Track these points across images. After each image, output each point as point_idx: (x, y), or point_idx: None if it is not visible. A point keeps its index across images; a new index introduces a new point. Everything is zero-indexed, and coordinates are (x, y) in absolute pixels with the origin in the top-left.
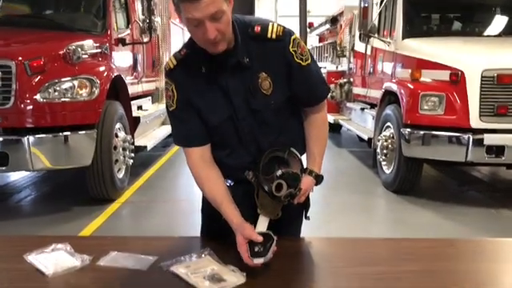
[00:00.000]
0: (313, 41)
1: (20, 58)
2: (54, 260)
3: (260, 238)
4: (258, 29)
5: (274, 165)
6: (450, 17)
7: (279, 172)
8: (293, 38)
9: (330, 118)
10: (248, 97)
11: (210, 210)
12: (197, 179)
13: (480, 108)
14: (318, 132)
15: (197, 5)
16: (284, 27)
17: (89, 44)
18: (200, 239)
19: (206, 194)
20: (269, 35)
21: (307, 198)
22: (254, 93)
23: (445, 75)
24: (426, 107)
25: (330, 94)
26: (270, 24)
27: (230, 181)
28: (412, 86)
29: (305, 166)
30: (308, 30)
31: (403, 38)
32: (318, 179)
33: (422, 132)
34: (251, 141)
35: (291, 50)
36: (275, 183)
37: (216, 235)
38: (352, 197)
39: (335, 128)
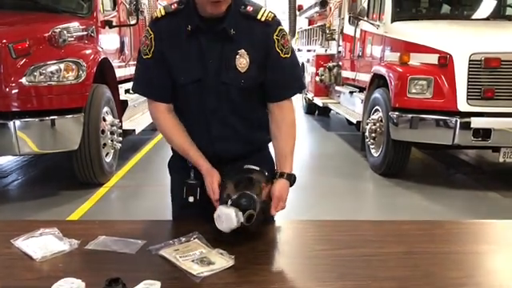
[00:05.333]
0: (302, 24)
1: (4, 41)
2: (42, 244)
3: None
4: (250, 8)
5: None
6: (438, 0)
7: (229, 202)
8: (279, 28)
9: (319, 102)
10: (221, 68)
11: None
12: (163, 127)
13: (467, 91)
14: (288, 131)
15: None
16: (274, 15)
17: (74, 26)
18: (188, 223)
19: (174, 141)
20: (258, 17)
21: None
22: (227, 66)
23: (433, 59)
24: (414, 91)
25: (318, 78)
26: (263, 8)
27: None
28: (400, 70)
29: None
30: (297, 12)
31: (392, 21)
32: (291, 179)
33: (410, 115)
34: (211, 115)
35: (274, 37)
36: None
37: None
38: (340, 180)
39: (324, 111)
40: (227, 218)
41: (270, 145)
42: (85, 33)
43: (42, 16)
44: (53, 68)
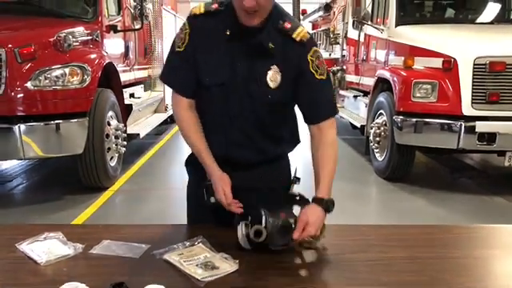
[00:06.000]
0: (306, 28)
1: (10, 46)
2: (46, 248)
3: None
4: (287, 25)
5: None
6: (442, 4)
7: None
8: (314, 49)
9: None
10: (250, 79)
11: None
12: (182, 122)
13: (472, 95)
14: (324, 152)
15: None
16: (311, 36)
17: (80, 31)
18: (192, 227)
19: (190, 139)
20: (294, 35)
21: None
22: (257, 79)
23: (437, 63)
24: (418, 95)
25: None
26: (300, 27)
27: None
28: (405, 74)
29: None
30: (301, 16)
31: (396, 25)
32: (328, 206)
33: (414, 119)
34: (231, 121)
35: (309, 58)
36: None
37: (202, 221)
38: (344, 184)
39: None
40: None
41: (290, 154)
42: (90, 37)
43: (47, 21)
44: (58, 72)
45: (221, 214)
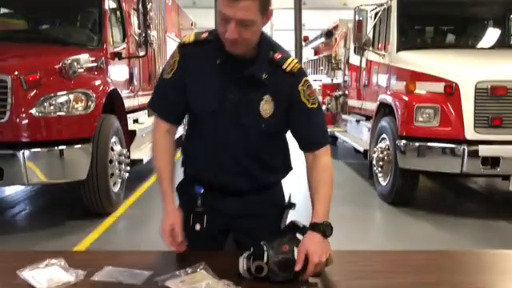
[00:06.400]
0: (308, 54)
1: (16, 73)
2: (47, 276)
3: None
4: (278, 56)
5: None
6: (443, 29)
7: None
8: (305, 79)
9: None
10: (242, 109)
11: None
12: (155, 144)
13: (475, 119)
14: (319, 177)
15: (233, 4)
16: (301, 66)
17: (84, 58)
18: (195, 254)
19: (157, 162)
20: (285, 66)
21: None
22: (250, 109)
23: (439, 87)
24: (420, 119)
25: (325, 106)
26: (291, 57)
27: (200, 188)
28: (407, 98)
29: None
30: (303, 43)
31: (398, 51)
32: (325, 230)
33: (417, 144)
34: (223, 148)
35: (300, 88)
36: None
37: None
38: (348, 209)
39: (331, 140)
40: None
41: (283, 180)
42: (94, 64)
43: (53, 48)
44: (62, 99)
45: (208, 241)
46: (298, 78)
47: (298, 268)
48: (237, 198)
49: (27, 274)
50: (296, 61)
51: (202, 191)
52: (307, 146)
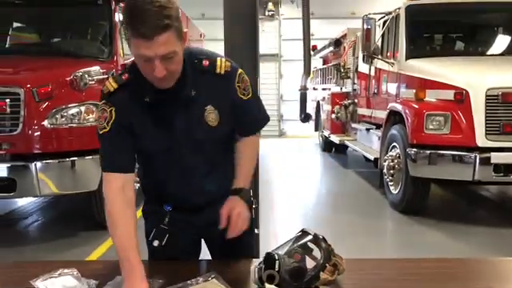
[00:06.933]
0: (317, 63)
1: (28, 85)
2: (60, 285)
3: None
4: (206, 63)
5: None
6: (452, 37)
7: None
8: (239, 73)
9: (336, 139)
10: (191, 127)
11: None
12: (109, 208)
13: (486, 126)
14: (242, 150)
15: (149, 44)
16: (231, 62)
17: (95, 70)
18: (206, 263)
19: (115, 231)
20: (217, 70)
21: (251, 211)
22: (198, 123)
23: (449, 94)
24: (431, 127)
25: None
26: (218, 59)
27: (168, 206)
28: (417, 106)
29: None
30: (312, 52)
31: (407, 59)
32: (244, 195)
33: (428, 151)
34: (190, 171)
35: (236, 85)
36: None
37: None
38: (358, 218)
39: (341, 149)
40: None
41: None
42: (105, 76)
43: (64, 61)
44: (74, 111)
45: (166, 254)
46: (232, 76)
47: (222, 226)
48: (207, 209)
49: (40, 284)
50: (224, 59)
51: (170, 209)
52: (242, 134)
